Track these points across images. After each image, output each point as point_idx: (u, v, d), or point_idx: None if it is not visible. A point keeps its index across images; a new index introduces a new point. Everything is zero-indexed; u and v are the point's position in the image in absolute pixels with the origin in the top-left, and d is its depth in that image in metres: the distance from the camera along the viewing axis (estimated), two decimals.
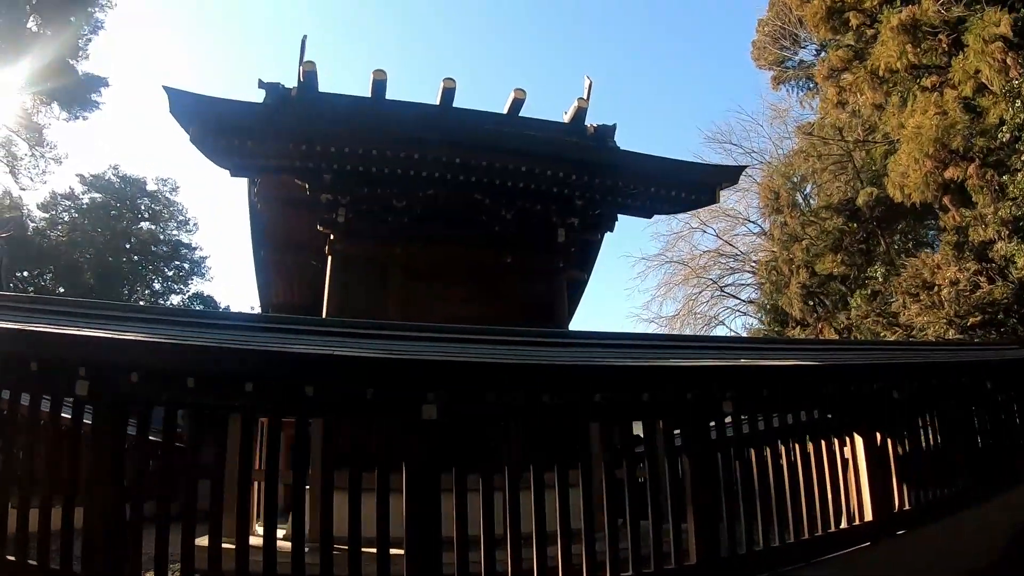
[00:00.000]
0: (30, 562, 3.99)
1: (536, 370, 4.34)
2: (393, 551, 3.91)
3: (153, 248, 37.89)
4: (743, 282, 29.20)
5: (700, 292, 29.10)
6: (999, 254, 14.57)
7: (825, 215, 21.66)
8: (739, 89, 50.14)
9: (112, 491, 3.88)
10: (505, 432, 4.43)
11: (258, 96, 8.72)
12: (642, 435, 4.84)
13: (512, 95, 9.38)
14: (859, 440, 5.58)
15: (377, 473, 4.01)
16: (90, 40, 24.55)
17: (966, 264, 15.16)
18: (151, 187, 37.92)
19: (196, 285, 39.47)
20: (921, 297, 15.92)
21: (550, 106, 44.75)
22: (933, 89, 15.29)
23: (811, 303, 22.62)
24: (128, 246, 37.14)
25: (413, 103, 9.49)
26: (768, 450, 5.30)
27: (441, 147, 8.46)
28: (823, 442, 5.48)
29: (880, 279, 19.11)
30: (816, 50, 22.83)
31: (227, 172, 8.44)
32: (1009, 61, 13.33)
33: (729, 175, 10.28)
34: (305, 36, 8.81)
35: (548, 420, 4.52)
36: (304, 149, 8.09)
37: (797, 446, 5.47)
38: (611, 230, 10.37)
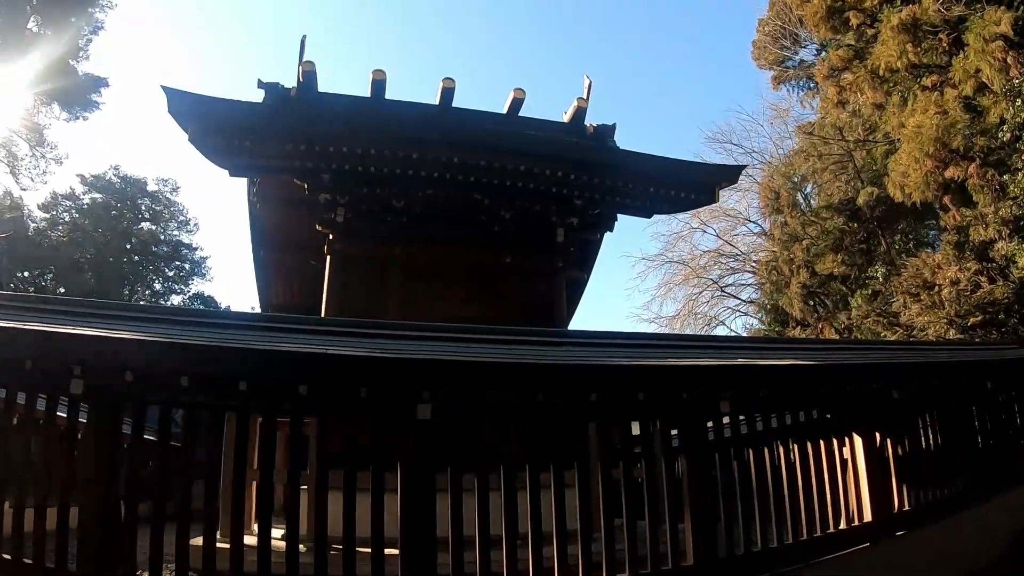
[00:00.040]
0: (25, 560, 3.98)
1: (530, 369, 4.32)
2: (388, 551, 3.89)
3: (154, 248, 37.91)
4: (743, 282, 29.16)
5: (700, 292, 29.05)
6: (1000, 254, 14.54)
7: (825, 215, 21.63)
8: (739, 89, 50.16)
9: (107, 490, 3.87)
10: (500, 432, 4.42)
11: (258, 96, 8.74)
12: (639, 435, 4.82)
13: (512, 95, 9.37)
14: (858, 440, 5.56)
15: (372, 473, 4.00)
16: (90, 40, 24.65)
17: (967, 264, 15.12)
18: (152, 187, 37.99)
19: (197, 285, 39.56)
20: (922, 297, 15.88)
21: (550, 106, 44.80)
22: (933, 88, 15.26)
23: (811, 303, 22.58)
24: (129, 246, 37.17)
25: (412, 103, 9.48)
26: (766, 450, 5.28)
27: (440, 147, 8.45)
28: (822, 442, 5.46)
29: (881, 279, 19.08)
30: (816, 50, 22.82)
31: (226, 172, 8.44)
32: (1010, 60, 13.30)
33: (729, 175, 10.26)
34: (304, 36, 8.81)
35: (544, 420, 4.50)
36: (303, 149, 8.08)
37: (796, 446, 5.45)
38: (611, 230, 10.36)
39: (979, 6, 14.30)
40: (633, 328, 29.14)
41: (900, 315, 16.81)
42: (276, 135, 8.07)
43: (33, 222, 32.88)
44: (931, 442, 6.18)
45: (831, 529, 5.24)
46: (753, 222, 28.25)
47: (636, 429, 5.06)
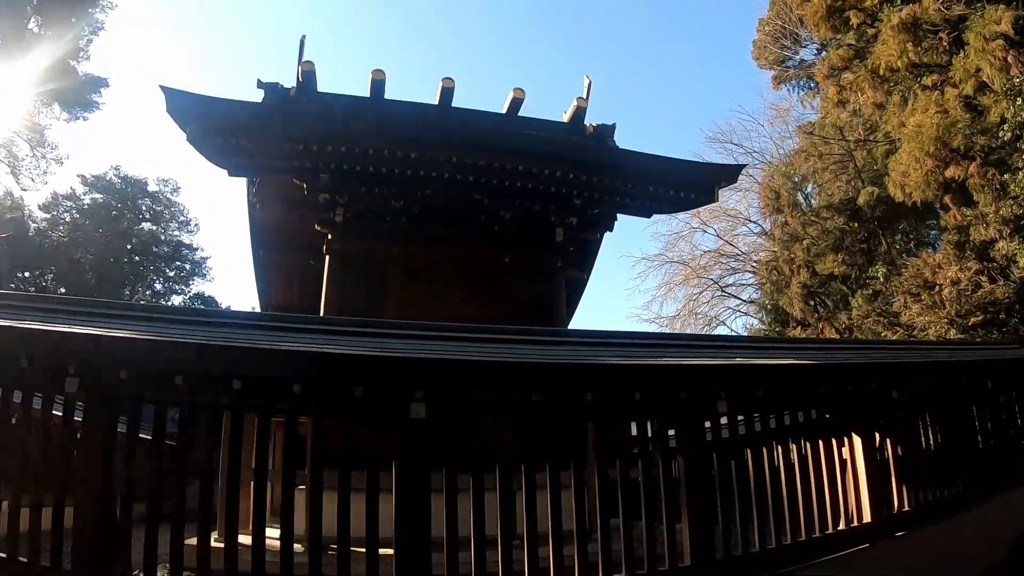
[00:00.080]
0: (20, 559, 3.97)
1: (525, 368, 4.30)
2: (383, 551, 3.88)
3: (154, 249, 37.94)
4: (744, 282, 29.15)
5: (701, 292, 29.05)
6: (1000, 253, 14.51)
7: (826, 215, 21.61)
8: (740, 89, 50.16)
9: (102, 489, 3.86)
10: (496, 431, 4.40)
11: (257, 96, 8.73)
12: (636, 435, 4.79)
13: (511, 94, 9.36)
14: (857, 440, 5.52)
15: (367, 473, 3.98)
16: (91, 41, 24.69)
17: (967, 263, 15.10)
18: (152, 188, 38.02)
19: (197, 285, 39.57)
20: (922, 297, 15.86)
21: (550, 106, 44.79)
22: (934, 88, 15.24)
23: (812, 303, 22.56)
24: (129, 247, 37.20)
25: (412, 103, 9.47)
26: (765, 451, 5.24)
27: (440, 147, 8.43)
28: (821, 442, 5.43)
29: (881, 279, 19.06)
30: (817, 49, 22.80)
31: (225, 172, 8.44)
32: (1010, 59, 13.28)
33: (728, 174, 10.23)
34: (304, 36, 8.80)
35: (539, 419, 4.47)
36: (302, 149, 8.07)
37: (794, 446, 5.42)
38: (610, 230, 10.35)
39: (979, 5, 14.28)
40: (633, 328, 29.13)
41: (901, 315, 16.79)
42: (275, 135, 8.06)
43: (34, 222, 32.92)
44: (931, 442, 6.15)
45: (830, 530, 5.21)
46: (754, 222, 28.27)
47: (634, 429, 5.04)
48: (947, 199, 15.63)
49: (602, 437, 4.85)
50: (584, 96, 9.65)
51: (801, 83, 24.79)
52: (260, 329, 4.96)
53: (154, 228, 38.36)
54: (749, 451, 5.17)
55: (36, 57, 21.78)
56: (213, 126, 7.78)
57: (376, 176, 8.61)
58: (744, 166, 14.60)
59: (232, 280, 65.79)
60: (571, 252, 9.97)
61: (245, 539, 3.91)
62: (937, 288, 15.48)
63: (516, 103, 9.36)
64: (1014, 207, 13.75)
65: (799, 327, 22.40)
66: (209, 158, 8.07)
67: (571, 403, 4.47)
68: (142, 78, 53.52)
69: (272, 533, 3.93)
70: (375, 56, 58.46)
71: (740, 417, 5.36)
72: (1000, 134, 13.88)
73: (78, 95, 24.23)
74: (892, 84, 16.65)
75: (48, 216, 34.38)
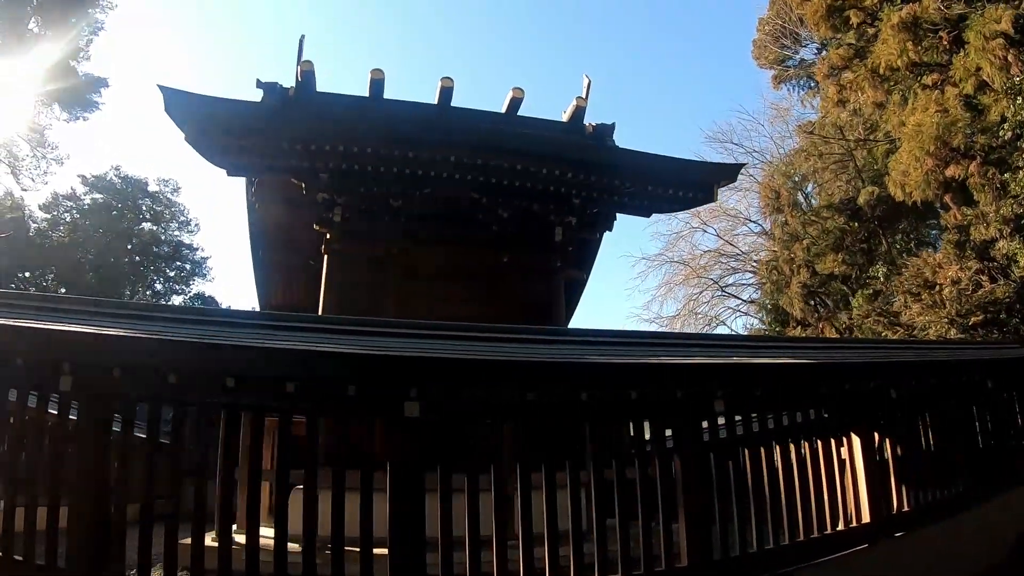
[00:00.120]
0: (15, 557, 3.96)
1: (520, 367, 4.28)
2: (377, 551, 3.86)
3: (155, 249, 37.95)
4: (744, 282, 29.11)
5: (701, 292, 29.02)
6: (1001, 252, 14.48)
7: (826, 214, 21.58)
8: (740, 88, 50.11)
9: (96, 487, 3.85)
10: (491, 431, 4.38)
11: (256, 96, 8.72)
12: (632, 435, 4.77)
13: (510, 94, 9.35)
14: (856, 440, 5.50)
15: (360, 472, 3.96)
16: (91, 41, 24.70)
17: (968, 263, 15.06)
18: (152, 188, 38.04)
19: (197, 285, 39.57)
20: (923, 296, 15.83)
21: (549, 106, 44.69)
22: (934, 87, 15.22)
23: (812, 303, 22.53)
24: (130, 247, 37.22)
25: (411, 102, 9.47)
26: (762, 450, 5.22)
27: (439, 146, 8.43)
28: (819, 442, 5.40)
29: (881, 278, 19.03)
30: (817, 48, 22.77)
31: (224, 172, 8.43)
32: (1010, 58, 13.26)
33: (727, 173, 10.22)
34: (303, 36, 8.80)
35: (534, 419, 4.45)
36: (301, 148, 8.07)
37: (793, 446, 5.39)
38: (610, 229, 10.34)
39: (979, 4, 14.26)
40: (633, 328, 29.10)
41: (901, 315, 16.76)
42: (274, 135, 8.05)
43: (34, 222, 32.94)
44: (930, 442, 6.12)
45: (828, 530, 5.18)
46: (754, 222, 28.23)
47: (631, 429, 5.01)
48: (947, 198, 15.60)
49: (598, 437, 4.83)
50: (583, 96, 9.64)
51: (801, 82, 24.76)
52: (256, 328, 4.94)
53: (154, 228, 38.38)
54: (747, 451, 5.14)
55: (36, 57, 21.85)
56: (212, 126, 7.78)
57: (375, 176, 8.61)
58: (743, 165, 14.61)
59: (232, 280, 65.89)
60: (570, 252, 9.95)
61: (240, 539, 3.90)
62: (937, 288, 15.45)
63: (515, 103, 9.35)
64: (1014, 206, 13.72)
65: (799, 327, 22.36)
66: (208, 158, 8.07)
67: (567, 402, 4.45)
68: (142, 78, 53.66)
69: (267, 532, 3.91)
70: (374, 56, 58.51)
71: (738, 417, 5.33)
72: (1000, 133, 13.85)
73: (78, 95, 24.24)
74: (892, 83, 16.63)
75: (48, 216, 34.42)
